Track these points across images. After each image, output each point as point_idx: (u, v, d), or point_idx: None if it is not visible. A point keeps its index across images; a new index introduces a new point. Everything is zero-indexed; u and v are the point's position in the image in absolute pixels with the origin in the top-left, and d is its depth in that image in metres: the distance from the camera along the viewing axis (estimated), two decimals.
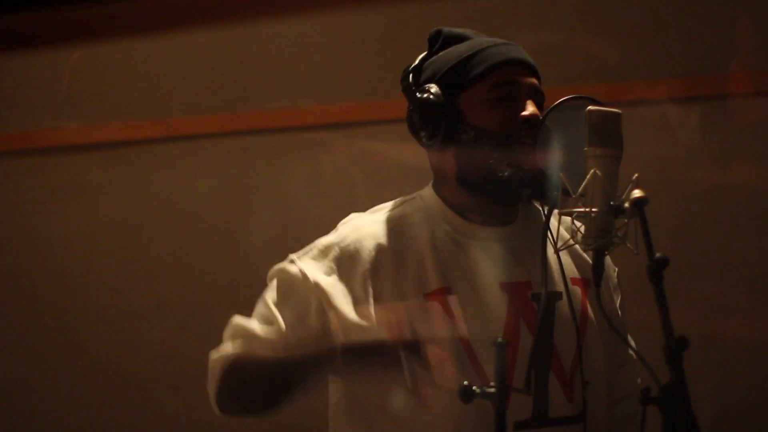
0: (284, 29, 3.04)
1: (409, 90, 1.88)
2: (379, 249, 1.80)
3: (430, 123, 1.83)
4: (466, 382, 1.50)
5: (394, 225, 1.84)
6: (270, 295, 1.86)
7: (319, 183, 3.00)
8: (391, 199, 1.91)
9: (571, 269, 1.86)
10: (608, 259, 1.92)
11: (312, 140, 3.01)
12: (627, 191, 1.57)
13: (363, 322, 1.74)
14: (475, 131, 1.80)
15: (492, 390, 1.47)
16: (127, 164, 3.12)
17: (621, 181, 1.63)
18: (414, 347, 1.61)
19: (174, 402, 3.02)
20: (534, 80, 1.85)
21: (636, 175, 1.59)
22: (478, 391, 1.49)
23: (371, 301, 1.77)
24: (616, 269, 1.97)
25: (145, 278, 3.09)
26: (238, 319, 1.88)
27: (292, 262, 1.85)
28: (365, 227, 1.84)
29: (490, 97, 1.82)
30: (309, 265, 1.82)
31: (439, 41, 1.92)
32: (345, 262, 1.80)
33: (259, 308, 1.87)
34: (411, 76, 1.91)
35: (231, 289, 3.00)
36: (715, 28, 2.88)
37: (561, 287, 1.81)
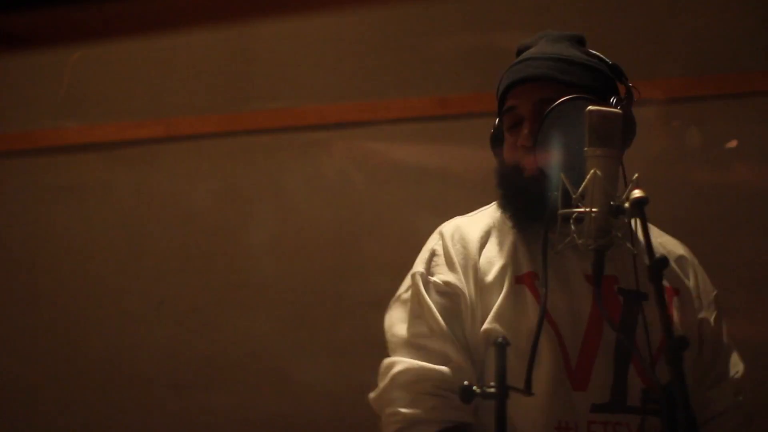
0: (284, 29, 3.03)
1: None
2: (481, 242, 1.89)
3: (495, 153, 1.95)
4: (466, 382, 1.50)
5: (490, 220, 1.93)
6: (414, 321, 1.89)
7: (319, 183, 3.00)
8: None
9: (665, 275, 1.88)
10: (705, 278, 1.99)
11: (312, 140, 3.01)
12: (627, 191, 1.57)
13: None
14: (502, 163, 1.91)
15: (492, 390, 1.47)
16: (127, 164, 3.12)
17: (621, 181, 1.63)
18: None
19: (174, 402, 3.02)
20: (544, 93, 1.86)
21: (636, 175, 1.59)
22: (478, 391, 1.49)
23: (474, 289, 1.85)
24: (715, 291, 2.00)
25: (145, 278, 3.09)
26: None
27: (421, 274, 1.91)
28: (465, 225, 1.93)
29: (506, 127, 1.91)
30: (437, 270, 1.90)
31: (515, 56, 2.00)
32: (457, 258, 1.88)
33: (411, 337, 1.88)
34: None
35: (231, 289, 3.01)
36: (715, 28, 2.88)
37: (645, 289, 1.83)
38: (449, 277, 1.86)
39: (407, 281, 1.91)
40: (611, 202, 1.60)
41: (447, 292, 1.86)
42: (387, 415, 1.83)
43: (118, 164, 3.13)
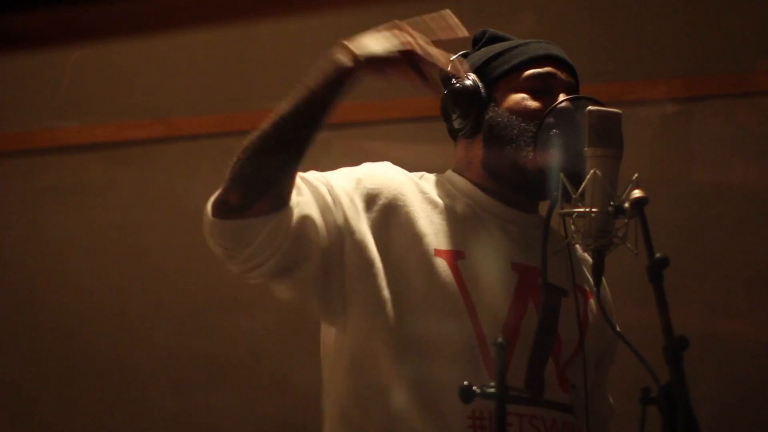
0: (284, 29, 3.04)
1: (446, 78, 1.87)
2: (401, 192, 1.81)
3: (464, 108, 1.85)
4: (465, 383, 1.50)
5: (417, 181, 1.86)
6: None
7: None
8: None
9: (578, 276, 1.87)
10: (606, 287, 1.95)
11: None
12: (627, 191, 1.57)
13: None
14: (507, 117, 1.82)
15: (492, 390, 1.47)
16: (127, 164, 3.12)
17: (621, 181, 1.63)
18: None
19: (174, 402, 3.02)
20: (571, 79, 1.87)
21: (636, 175, 1.59)
22: (478, 391, 1.49)
23: (378, 236, 1.77)
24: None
25: (145, 278, 3.09)
26: None
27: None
28: (392, 171, 1.85)
29: (526, 86, 1.85)
30: (333, 178, 1.81)
31: (483, 39, 1.95)
32: (367, 192, 1.80)
33: None
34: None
35: (231, 289, 3.00)
36: (715, 28, 2.88)
37: (567, 287, 1.82)
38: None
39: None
40: (611, 202, 1.60)
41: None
42: None
43: (118, 164, 3.13)
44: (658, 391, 1.43)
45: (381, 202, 1.79)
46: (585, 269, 1.92)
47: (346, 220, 1.76)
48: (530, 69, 1.85)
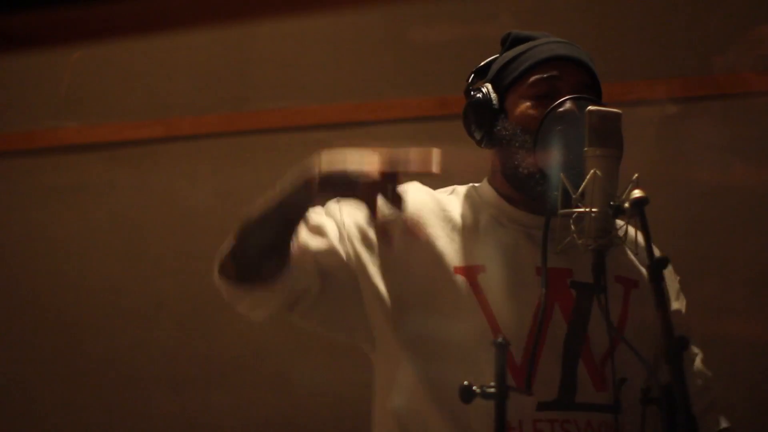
0: (284, 29, 3.04)
1: (466, 89, 1.92)
2: (421, 212, 1.85)
3: (478, 121, 1.88)
4: (466, 382, 1.50)
5: (441, 200, 1.90)
6: None
7: None
8: None
9: (616, 267, 1.86)
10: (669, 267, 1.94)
11: (312, 140, 3.01)
12: (627, 191, 1.57)
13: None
14: (512, 128, 1.84)
15: (492, 390, 1.47)
16: (127, 164, 3.12)
17: (621, 181, 1.63)
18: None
19: (174, 402, 3.02)
20: (582, 77, 1.86)
21: (636, 175, 1.59)
22: (478, 391, 1.49)
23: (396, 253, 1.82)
24: (678, 277, 1.98)
25: (145, 278, 3.09)
26: None
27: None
28: (415, 191, 1.88)
29: (530, 93, 1.85)
30: (348, 212, 1.86)
31: (507, 43, 1.95)
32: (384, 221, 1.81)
33: None
34: (473, 76, 1.95)
35: None
36: (714, 28, 2.88)
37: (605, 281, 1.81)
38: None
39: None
40: (611, 202, 1.60)
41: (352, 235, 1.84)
42: None
43: (118, 164, 3.13)
44: (658, 391, 1.43)
45: (398, 228, 1.79)
46: (632, 258, 1.90)
47: (357, 256, 1.82)
48: (534, 75, 1.85)
